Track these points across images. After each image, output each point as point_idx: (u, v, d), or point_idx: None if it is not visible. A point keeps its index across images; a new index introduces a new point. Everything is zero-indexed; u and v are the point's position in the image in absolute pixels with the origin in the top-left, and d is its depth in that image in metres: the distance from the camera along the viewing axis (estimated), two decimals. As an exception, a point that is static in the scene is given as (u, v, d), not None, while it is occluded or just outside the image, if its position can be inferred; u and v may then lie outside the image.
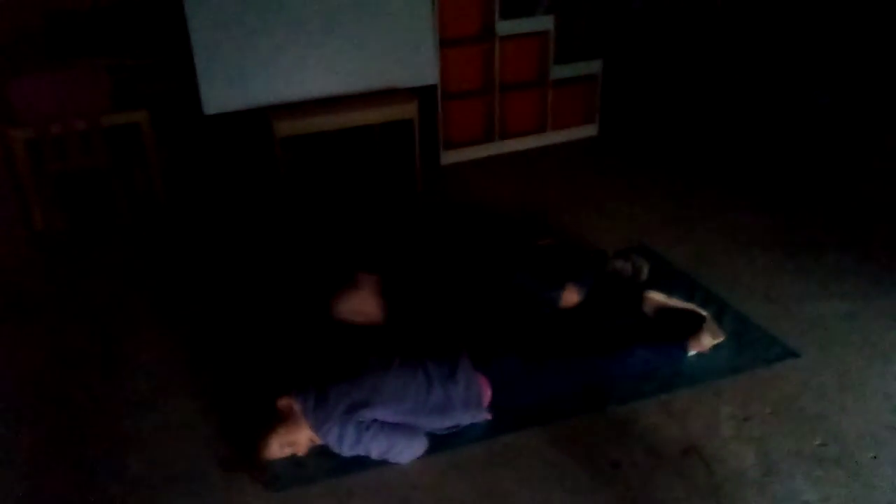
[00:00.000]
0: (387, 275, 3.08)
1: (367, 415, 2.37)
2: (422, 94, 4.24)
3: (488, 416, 2.55)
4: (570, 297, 3.08)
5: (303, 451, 2.41)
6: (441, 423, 2.48)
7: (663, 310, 2.99)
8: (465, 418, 2.51)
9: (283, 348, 2.96)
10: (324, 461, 2.41)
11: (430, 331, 2.86)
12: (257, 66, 3.87)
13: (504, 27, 4.77)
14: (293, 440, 2.39)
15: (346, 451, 2.39)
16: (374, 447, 2.38)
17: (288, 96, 3.98)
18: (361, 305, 2.95)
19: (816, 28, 5.25)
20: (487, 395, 2.55)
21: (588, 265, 3.23)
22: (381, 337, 2.87)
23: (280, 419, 2.41)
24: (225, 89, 3.84)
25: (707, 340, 2.83)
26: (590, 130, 5.38)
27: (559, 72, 5.10)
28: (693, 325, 2.86)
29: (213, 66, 3.77)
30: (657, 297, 3.02)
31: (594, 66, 5.22)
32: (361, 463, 2.39)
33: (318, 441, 2.42)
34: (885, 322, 3.03)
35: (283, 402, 2.44)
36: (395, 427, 2.41)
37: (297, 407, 2.42)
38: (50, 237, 4.10)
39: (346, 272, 3.09)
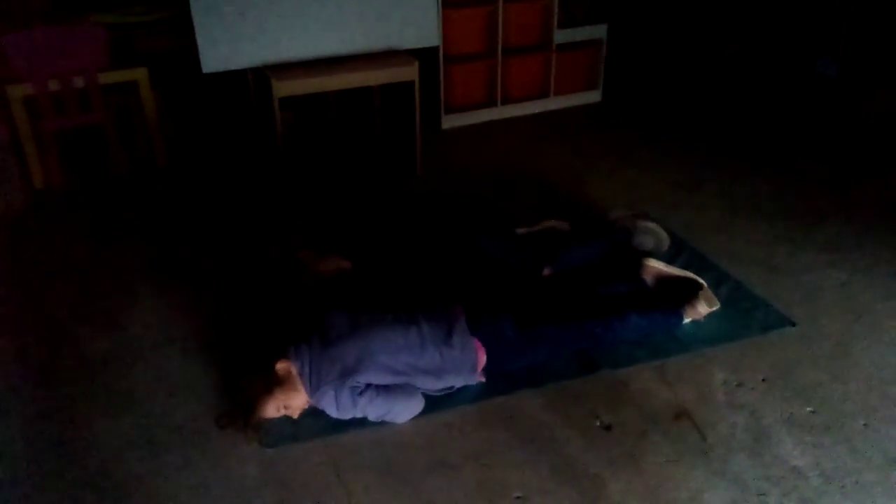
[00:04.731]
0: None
1: (360, 379, 2.38)
2: (423, 57, 4.20)
3: (482, 379, 2.57)
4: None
5: (297, 415, 2.42)
6: (434, 385, 2.49)
7: (662, 277, 2.99)
8: (458, 381, 2.52)
9: (280, 309, 2.96)
10: (318, 420, 2.42)
11: (424, 291, 2.86)
12: (256, 25, 3.83)
13: (508, -11, 4.71)
14: (289, 404, 2.40)
15: (342, 415, 2.40)
16: (372, 411, 2.39)
17: (287, 56, 3.95)
18: (320, 262, 3.04)
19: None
20: (482, 359, 2.56)
21: (574, 245, 3.21)
22: (369, 297, 2.87)
23: (278, 382, 2.40)
24: (223, 48, 3.81)
25: (703, 308, 2.83)
26: (593, 96, 5.34)
27: (563, 36, 5.04)
28: (689, 293, 2.87)
29: (211, 23, 3.73)
30: (656, 264, 3.01)
31: (599, 31, 5.16)
32: (355, 422, 2.41)
33: (313, 405, 2.43)
34: (878, 292, 3.04)
35: (282, 366, 2.43)
36: (390, 388, 2.42)
37: (294, 371, 2.43)
38: (49, 195, 4.10)
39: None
